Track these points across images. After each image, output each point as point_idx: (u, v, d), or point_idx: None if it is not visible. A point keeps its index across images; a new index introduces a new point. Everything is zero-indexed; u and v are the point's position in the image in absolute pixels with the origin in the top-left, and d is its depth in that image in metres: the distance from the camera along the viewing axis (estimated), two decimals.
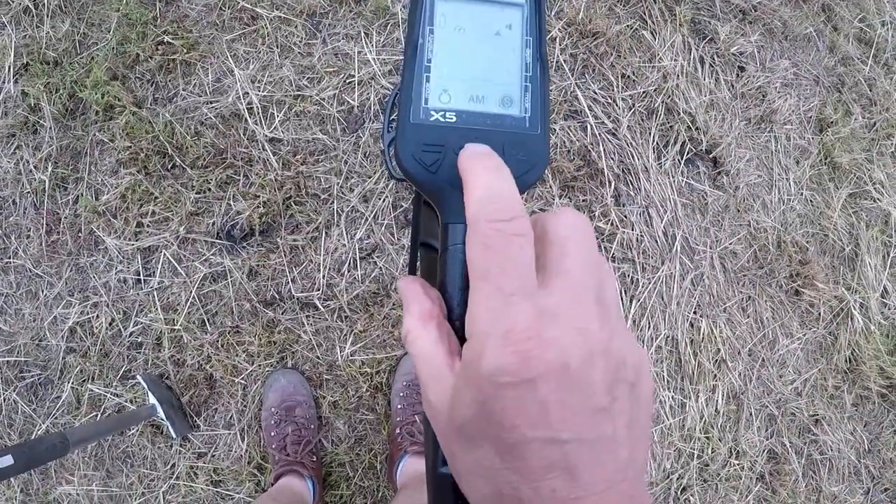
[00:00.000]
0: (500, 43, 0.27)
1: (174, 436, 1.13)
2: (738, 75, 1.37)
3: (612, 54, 1.26)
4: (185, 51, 1.21)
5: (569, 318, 0.20)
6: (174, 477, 1.17)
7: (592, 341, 0.20)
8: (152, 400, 1.10)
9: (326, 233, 1.17)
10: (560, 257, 0.21)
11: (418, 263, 0.32)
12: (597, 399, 0.20)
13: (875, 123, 1.50)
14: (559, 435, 0.19)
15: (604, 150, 1.23)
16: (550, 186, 1.21)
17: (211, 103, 1.20)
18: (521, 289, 0.20)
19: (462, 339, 0.23)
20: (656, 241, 1.25)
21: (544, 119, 0.26)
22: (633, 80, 1.27)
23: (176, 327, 1.16)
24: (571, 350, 0.19)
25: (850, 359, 1.41)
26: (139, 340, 1.18)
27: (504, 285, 0.20)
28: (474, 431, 0.20)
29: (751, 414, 1.31)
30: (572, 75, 1.24)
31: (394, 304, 1.17)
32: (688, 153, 1.30)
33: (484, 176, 0.22)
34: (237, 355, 1.16)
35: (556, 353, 0.19)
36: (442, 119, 0.25)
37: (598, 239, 1.23)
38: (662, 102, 1.28)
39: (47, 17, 1.26)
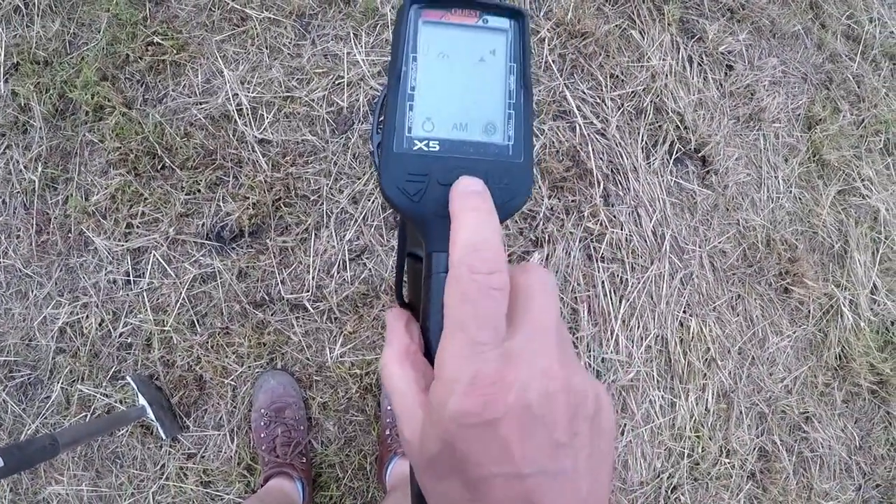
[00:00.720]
0: (484, 70, 0.27)
1: (164, 437, 1.13)
2: (726, 74, 1.38)
3: (600, 54, 1.27)
4: (174, 51, 1.21)
5: (531, 360, 0.21)
6: (164, 478, 1.16)
7: (553, 380, 0.21)
8: (142, 401, 1.10)
9: (316, 234, 1.17)
10: (526, 305, 0.22)
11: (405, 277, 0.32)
12: (557, 435, 0.21)
13: (863, 120, 1.50)
14: (521, 470, 0.20)
15: (593, 150, 1.23)
16: (540, 187, 1.21)
17: (200, 104, 1.20)
18: (490, 339, 0.21)
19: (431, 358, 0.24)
20: (645, 241, 1.25)
21: (528, 146, 0.26)
22: (622, 80, 1.28)
23: (166, 328, 1.16)
24: (532, 390, 0.20)
25: (840, 356, 1.41)
26: (129, 341, 1.18)
27: (476, 336, 0.21)
28: (443, 466, 0.21)
29: (741, 412, 1.31)
30: (561, 75, 1.25)
31: (383, 306, 1.17)
32: (677, 152, 1.30)
33: (473, 220, 0.23)
34: (227, 356, 1.16)
35: (518, 393, 0.20)
36: (425, 148, 0.25)
37: (586, 241, 1.24)
38: (651, 102, 1.28)
39: (38, 16, 1.26)
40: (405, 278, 0.32)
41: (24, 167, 1.23)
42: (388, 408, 1.14)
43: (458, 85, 0.26)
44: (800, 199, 1.42)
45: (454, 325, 0.22)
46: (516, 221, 1.20)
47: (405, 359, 0.24)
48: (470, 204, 0.24)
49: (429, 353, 0.25)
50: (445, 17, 0.26)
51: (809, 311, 1.39)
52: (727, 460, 1.29)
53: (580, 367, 0.23)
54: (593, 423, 0.22)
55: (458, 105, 0.26)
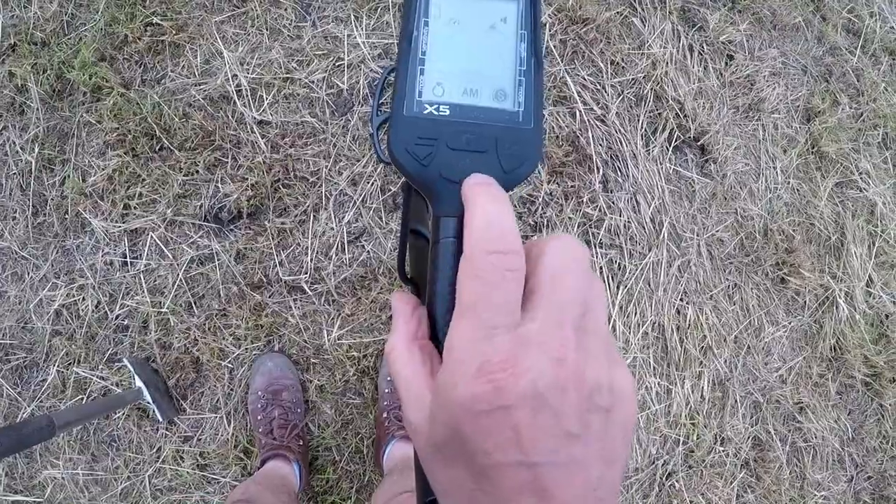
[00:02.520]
0: (495, 36, 0.27)
1: (160, 419, 1.12)
2: (726, 64, 1.38)
3: (601, 41, 1.26)
4: (173, 32, 1.20)
5: (545, 348, 0.20)
6: (160, 461, 1.16)
7: (566, 370, 0.20)
8: (138, 383, 1.09)
9: (314, 216, 1.17)
10: (547, 286, 0.22)
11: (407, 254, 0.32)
12: (568, 425, 0.20)
13: (862, 114, 1.51)
14: (530, 458, 0.20)
15: (592, 136, 1.23)
16: (539, 172, 1.21)
17: (199, 85, 1.19)
18: (503, 323, 0.21)
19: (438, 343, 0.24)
20: (644, 228, 1.26)
21: (538, 114, 0.26)
22: (623, 67, 1.28)
23: (162, 310, 1.16)
24: (545, 379, 0.20)
25: (834, 347, 1.42)
26: (125, 323, 1.18)
27: (488, 319, 0.20)
28: (449, 453, 0.21)
29: (736, 401, 1.32)
30: (562, 61, 1.25)
31: (381, 289, 1.17)
32: (676, 140, 1.30)
33: (487, 205, 0.23)
34: (224, 338, 1.16)
35: (530, 382, 0.20)
36: (436, 112, 0.25)
37: (585, 226, 1.24)
38: (651, 89, 1.28)
39: None
40: (408, 254, 0.32)
41: (21, 148, 1.22)
42: (386, 391, 1.14)
43: (469, 51, 0.26)
44: (797, 190, 1.42)
45: (466, 307, 0.21)
46: (515, 206, 1.20)
47: (412, 343, 0.24)
48: (484, 192, 0.23)
49: (435, 334, 0.25)
50: None
51: (805, 302, 1.39)
52: (722, 448, 1.30)
53: (603, 352, 0.22)
54: (608, 416, 0.21)
55: (468, 71, 0.26)
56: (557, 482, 0.20)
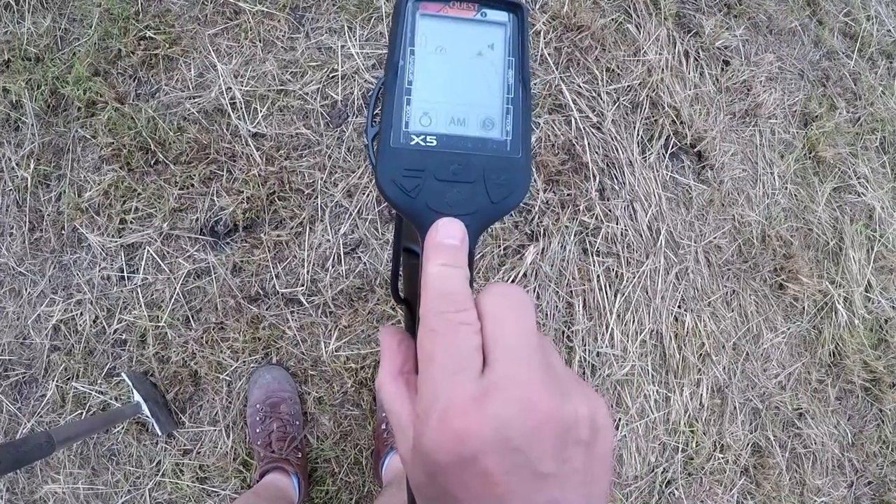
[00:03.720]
0: (482, 64, 0.26)
1: (159, 433, 1.12)
2: (722, 69, 1.38)
3: (596, 48, 1.26)
4: (167, 46, 1.20)
5: (512, 391, 0.20)
6: (160, 474, 1.16)
7: (537, 411, 0.20)
8: (137, 397, 1.10)
9: (310, 228, 1.17)
10: (499, 331, 0.22)
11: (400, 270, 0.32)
12: (543, 466, 0.20)
13: (860, 118, 1.50)
14: (506, 502, 0.20)
15: (588, 143, 1.23)
16: (535, 181, 1.21)
17: (193, 98, 1.19)
18: (464, 370, 0.21)
19: None
20: (641, 236, 1.25)
21: (526, 142, 0.26)
22: (618, 74, 1.27)
23: (160, 324, 1.16)
24: (512, 422, 0.20)
25: (833, 353, 1.42)
26: (123, 338, 1.18)
27: (447, 367, 0.21)
28: (429, 494, 0.22)
29: (735, 408, 1.31)
30: (557, 69, 1.24)
31: (378, 300, 1.17)
32: (672, 147, 1.30)
33: (438, 273, 0.23)
34: (222, 352, 1.16)
35: (496, 427, 0.19)
36: (422, 143, 0.25)
37: (581, 235, 1.24)
38: (647, 96, 1.28)
39: (28, 12, 1.24)
40: (401, 274, 0.32)
41: (17, 164, 1.22)
42: None
43: (455, 79, 0.26)
44: (795, 195, 1.42)
45: (426, 359, 0.22)
46: (511, 215, 1.20)
47: (398, 378, 0.25)
48: (438, 256, 0.24)
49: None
50: (443, 11, 0.26)
51: (804, 308, 1.39)
52: (721, 455, 1.30)
53: (574, 386, 0.22)
54: (588, 449, 0.21)
55: (455, 99, 0.26)
56: None
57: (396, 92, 0.25)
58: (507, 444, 0.19)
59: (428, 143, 0.25)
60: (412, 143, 0.25)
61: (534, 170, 1.20)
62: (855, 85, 1.51)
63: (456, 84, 0.26)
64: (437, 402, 0.20)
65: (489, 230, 1.18)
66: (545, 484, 0.20)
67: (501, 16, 0.27)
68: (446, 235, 0.24)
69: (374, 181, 1.17)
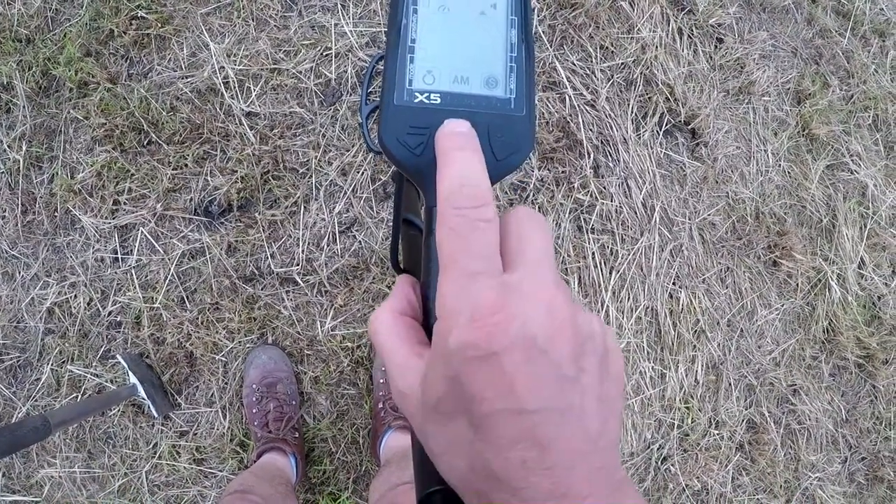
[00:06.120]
0: (485, 23, 0.26)
1: (156, 415, 1.12)
2: (716, 47, 1.38)
3: (590, 25, 1.26)
4: (159, 25, 1.19)
5: (533, 293, 0.20)
6: (157, 456, 1.16)
7: (558, 314, 0.20)
8: (133, 379, 1.09)
9: (305, 207, 1.16)
10: (520, 244, 0.22)
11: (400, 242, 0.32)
12: (564, 369, 0.20)
13: (852, 95, 1.51)
14: (526, 405, 0.19)
15: (582, 121, 1.23)
16: (530, 158, 1.21)
17: (186, 78, 1.18)
18: (486, 269, 0.21)
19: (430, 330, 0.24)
20: (635, 213, 1.26)
21: (529, 100, 0.26)
22: (612, 52, 1.27)
23: (155, 305, 1.15)
24: (537, 322, 0.20)
25: (827, 329, 1.43)
26: (118, 320, 1.17)
27: (470, 267, 0.21)
28: (447, 407, 0.21)
29: (730, 384, 1.32)
30: (551, 46, 1.24)
31: (373, 278, 1.17)
32: (666, 124, 1.30)
33: (457, 162, 0.23)
34: (217, 332, 1.15)
35: (522, 325, 0.19)
36: (426, 101, 0.25)
37: (576, 212, 1.24)
38: (641, 74, 1.28)
39: None
40: (401, 245, 0.32)
41: (8, 147, 1.21)
42: (381, 381, 1.14)
43: (459, 38, 0.26)
44: (789, 172, 1.43)
45: (447, 261, 0.21)
46: (506, 192, 1.20)
47: (399, 316, 0.24)
48: (455, 143, 0.24)
49: (428, 323, 0.24)
50: None
51: (797, 285, 1.40)
52: (716, 431, 1.31)
53: (587, 311, 0.22)
54: (601, 364, 0.21)
55: (459, 58, 0.26)
56: (556, 431, 0.20)
57: (400, 50, 0.25)
58: (532, 342, 0.19)
59: (432, 101, 0.25)
60: (416, 100, 0.25)
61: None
62: (848, 63, 1.52)
63: (459, 42, 0.26)
64: (464, 301, 0.20)
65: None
66: (565, 388, 0.20)
67: None
68: (455, 124, 0.24)
69: (367, 155, 1.17)
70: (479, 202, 0.22)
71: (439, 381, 0.21)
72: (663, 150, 1.29)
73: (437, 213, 0.22)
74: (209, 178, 1.16)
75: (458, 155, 0.23)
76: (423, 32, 0.26)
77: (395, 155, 0.25)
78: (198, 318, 1.15)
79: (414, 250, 0.31)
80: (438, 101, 0.25)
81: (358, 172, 1.17)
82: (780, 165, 1.41)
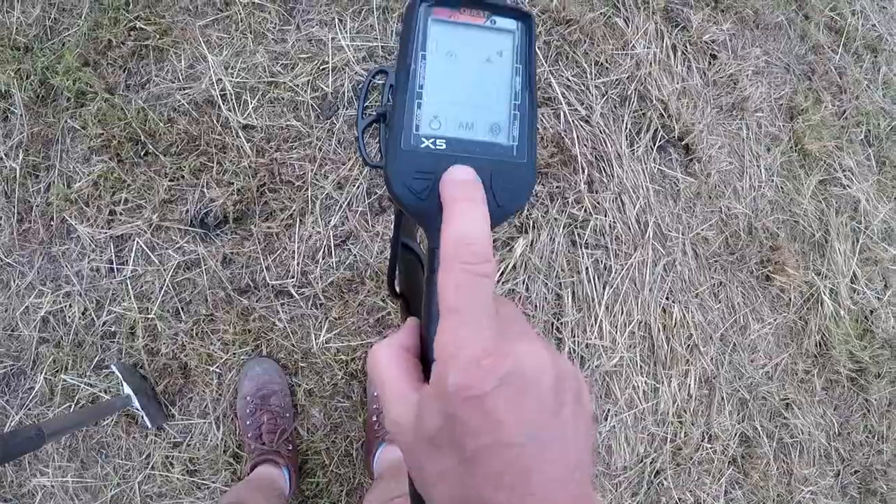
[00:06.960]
0: (491, 70, 0.27)
1: (149, 426, 1.12)
2: (710, 63, 1.39)
3: (585, 41, 1.27)
4: (157, 36, 1.19)
5: (520, 338, 0.23)
6: (150, 467, 1.16)
7: (542, 355, 0.23)
8: (127, 390, 1.09)
9: (301, 220, 1.17)
10: (498, 300, 0.25)
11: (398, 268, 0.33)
12: (547, 404, 0.22)
13: (845, 111, 1.52)
14: (515, 439, 0.21)
15: (577, 136, 1.24)
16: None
17: (184, 90, 1.19)
18: (486, 317, 0.23)
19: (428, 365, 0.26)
20: (629, 228, 1.27)
21: (531, 148, 0.27)
22: (607, 68, 1.29)
23: (150, 316, 1.15)
24: (525, 360, 0.22)
25: (820, 343, 1.43)
26: (113, 330, 1.17)
27: (468, 318, 0.23)
28: (441, 441, 0.23)
29: (723, 398, 1.33)
30: (546, 62, 1.25)
31: (368, 292, 1.17)
32: (660, 140, 1.31)
33: (462, 213, 0.24)
34: (212, 344, 1.16)
35: (513, 363, 0.22)
36: (432, 146, 0.26)
37: (570, 227, 1.25)
38: (635, 90, 1.29)
39: (17, 1, 1.24)
40: (398, 269, 0.33)
41: (5, 155, 1.21)
42: (375, 394, 1.14)
43: (465, 84, 0.27)
44: (781, 188, 1.44)
45: (448, 310, 0.23)
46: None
47: (402, 350, 0.26)
48: (460, 192, 0.25)
49: (425, 356, 0.25)
50: (454, 17, 0.27)
51: (790, 299, 1.41)
52: (709, 445, 1.31)
53: (558, 352, 0.25)
54: (576, 400, 0.23)
55: (464, 104, 0.27)
56: (539, 462, 0.21)
57: (408, 95, 0.26)
58: (521, 378, 0.22)
59: (437, 147, 0.26)
60: (422, 145, 0.26)
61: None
62: (840, 79, 1.53)
63: (465, 89, 0.27)
64: (464, 347, 0.22)
65: None
66: (548, 421, 0.22)
67: (510, 24, 0.27)
68: (460, 171, 0.26)
69: (363, 169, 1.17)
70: (482, 258, 0.23)
71: (436, 416, 0.22)
72: (657, 166, 1.31)
73: (441, 260, 0.23)
74: (205, 190, 1.16)
75: (464, 207, 0.24)
76: (430, 78, 0.26)
77: (402, 199, 0.26)
78: (192, 330, 1.16)
79: (410, 275, 0.32)
80: (444, 146, 0.26)
81: (354, 186, 1.18)
82: (772, 181, 1.42)
